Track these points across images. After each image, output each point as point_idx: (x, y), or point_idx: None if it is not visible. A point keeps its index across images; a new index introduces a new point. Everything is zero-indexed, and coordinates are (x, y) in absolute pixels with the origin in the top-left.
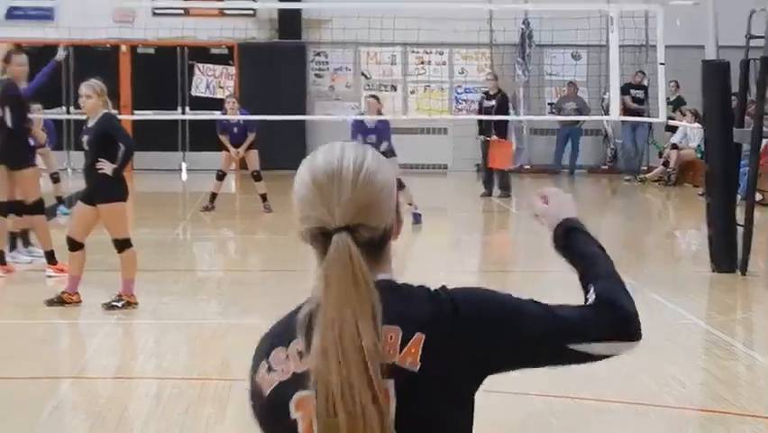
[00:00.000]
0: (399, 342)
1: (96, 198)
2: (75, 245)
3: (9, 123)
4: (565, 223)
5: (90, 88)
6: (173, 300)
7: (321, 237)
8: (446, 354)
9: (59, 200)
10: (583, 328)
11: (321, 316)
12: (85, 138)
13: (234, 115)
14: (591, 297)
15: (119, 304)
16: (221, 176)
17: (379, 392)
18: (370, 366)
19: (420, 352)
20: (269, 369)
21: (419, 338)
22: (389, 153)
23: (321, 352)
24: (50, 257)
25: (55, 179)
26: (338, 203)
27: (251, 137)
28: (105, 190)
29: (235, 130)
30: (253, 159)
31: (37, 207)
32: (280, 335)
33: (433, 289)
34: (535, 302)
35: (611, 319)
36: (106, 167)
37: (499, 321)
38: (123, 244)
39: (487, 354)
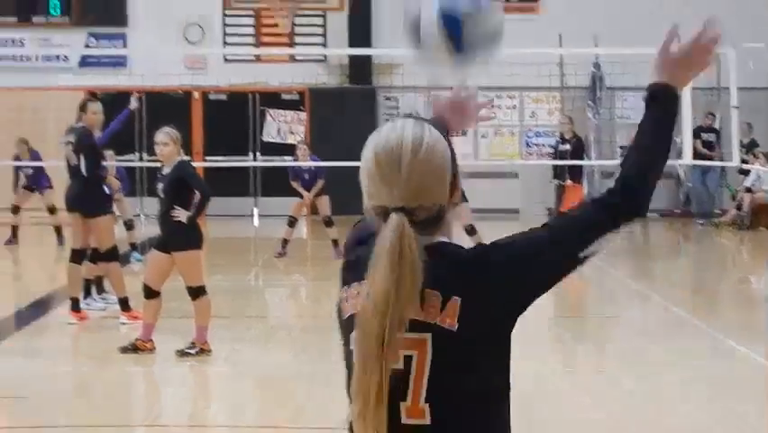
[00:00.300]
0: (440, 305)
1: (171, 246)
2: (151, 293)
3: (84, 170)
4: (657, 86)
5: (167, 136)
6: (245, 347)
7: (382, 214)
8: (481, 312)
9: (133, 246)
10: (590, 235)
11: (368, 283)
12: (160, 186)
13: (305, 162)
14: (618, 173)
15: (192, 351)
16: (292, 222)
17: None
18: (387, 336)
19: (457, 314)
20: (347, 298)
21: (456, 302)
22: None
23: (362, 315)
24: (124, 304)
25: (129, 225)
26: (397, 184)
27: (320, 183)
28: (180, 238)
29: (306, 176)
30: (324, 204)
31: (111, 254)
32: (359, 266)
33: (475, 246)
34: (545, 229)
35: (619, 208)
36: (181, 215)
37: (523, 270)
38: (197, 292)
39: (516, 300)
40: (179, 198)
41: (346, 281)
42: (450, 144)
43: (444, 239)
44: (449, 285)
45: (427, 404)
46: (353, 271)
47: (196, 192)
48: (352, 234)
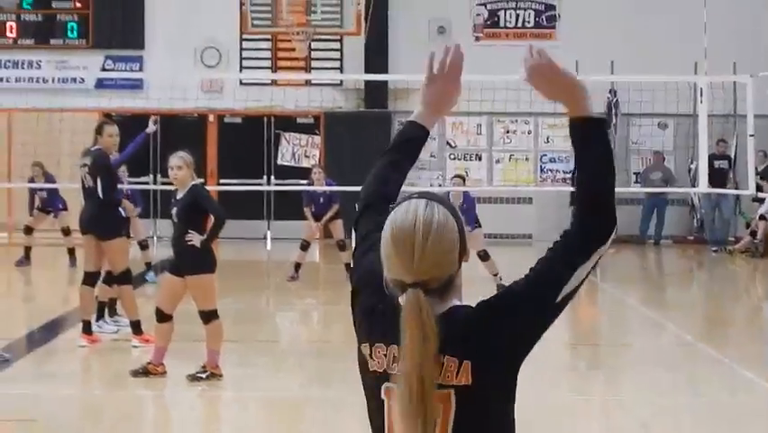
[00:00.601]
0: (456, 368)
1: (184, 270)
2: (163, 317)
3: (100, 193)
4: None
5: (181, 160)
6: (256, 372)
7: (399, 286)
8: (492, 368)
9: (148, 266)
10: (561, 278)
11: (401, 355)
12: (174, 210)
13: (320, 186)
14: (575, 206)
15: (203, 376)
16: (305, 246)
17: (429, 411)
18: (425, 390)
19: (470, 374)
20: (371, 355)
21: (467, 365)
22: (474, 225)
23: (402, 376)
24: (136, 327)
25: (143, 246)
26: (410, 264)
27: (334, 208)
28: (193, 262)
29: (321, 200)
30: (338, 228)
31: (125, 277)
32: (381, 322)
33: (479, 305)
34: (527, 278)
35: (587, 239)
36: (195, 239)
37: (517, 324)
38: (209, 316)
39: (519, 350)
40: (193, 223)
41: (368, 334)
42: (458, 218)
43: (456, 301)
44: (461, 350)
45: None
46: (376, 325)
47: (211, 216)
48: (368, 273)
